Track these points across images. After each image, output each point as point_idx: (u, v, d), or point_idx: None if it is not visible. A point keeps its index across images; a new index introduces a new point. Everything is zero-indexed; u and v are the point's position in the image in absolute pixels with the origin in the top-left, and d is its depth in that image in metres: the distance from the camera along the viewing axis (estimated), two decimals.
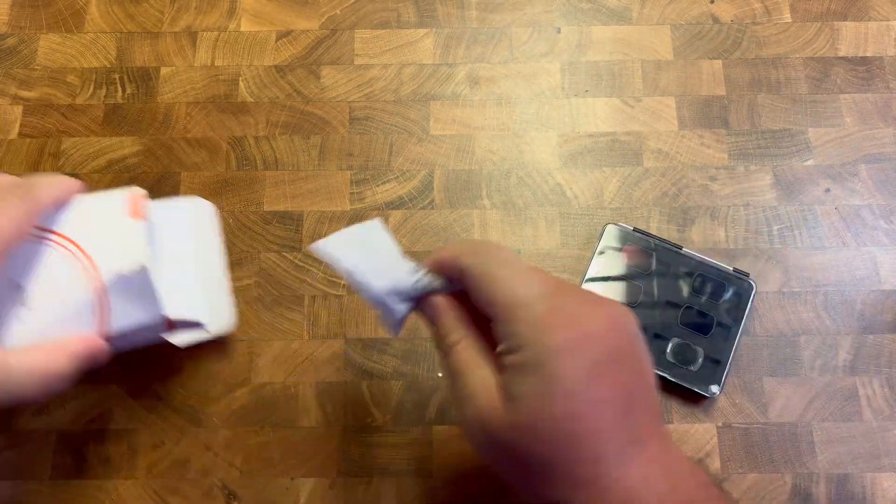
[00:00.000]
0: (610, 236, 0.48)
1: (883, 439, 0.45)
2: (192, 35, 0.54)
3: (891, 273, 0.48)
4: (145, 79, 0.53)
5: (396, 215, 0.49)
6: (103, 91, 0.52)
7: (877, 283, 0.48)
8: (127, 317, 0.38)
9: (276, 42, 0.54)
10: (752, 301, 0.46)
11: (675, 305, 0.46)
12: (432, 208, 0.50)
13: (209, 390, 0.46)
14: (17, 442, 0.45)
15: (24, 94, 0.52)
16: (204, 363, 0.46)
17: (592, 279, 0.47)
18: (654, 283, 0.47)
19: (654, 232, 0.48)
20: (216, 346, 0.46)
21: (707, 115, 0.51)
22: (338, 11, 0.54)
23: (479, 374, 0.30)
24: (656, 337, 0.45)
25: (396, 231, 0.49)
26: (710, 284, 0.46)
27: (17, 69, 0.53)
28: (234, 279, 0.48)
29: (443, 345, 0.32)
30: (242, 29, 0.54)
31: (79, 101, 0.52)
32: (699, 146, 0.51)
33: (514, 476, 0.29)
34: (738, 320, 0.46)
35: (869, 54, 0.53)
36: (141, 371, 0.46)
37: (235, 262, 0.48)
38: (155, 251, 0.40)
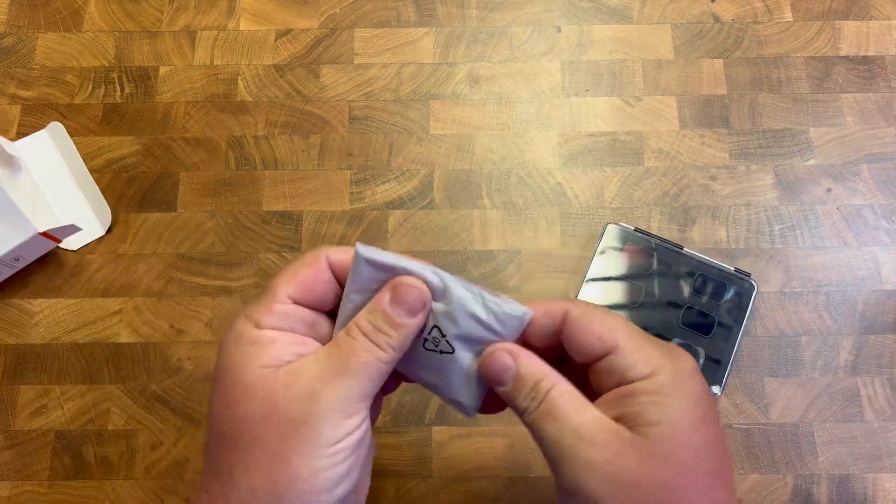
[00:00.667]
0: (611, 236, 0.47)
1: (884, 440, 0.44)
2: (191, 34, 0.54)
3: (892, 273, 0.48)
4: (144, 78, 0.52)
5: (396, 215, 0.49)
6: (102, 90, 0.52)
7: (878, 282, 0.48)
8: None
9: (275, 41, 0.53)
10: (753, 301, 0.46)
11: (677, 306, 0.46)
12: (432, 208, 0.49)
13: (208, 390, 0.46)
14: (15, 443, 0.45)
15: (23, 93, 0.52)
16: (203, 363, 0.46)
17: (593, 279, 0.47)
18: (655, 283, 0.46)
19: (654, 232, 0.48)
20: (215, 346, 0.46)
21: (708, 114, 0.51)
22: (337, 10, 0.54)
23: (591, 415, 0.26)
24: (657, 337, 0.45)
25: (396, 231, 0.49)
26: (711, 285, 0.46)
27: (15, 68, 0.53)
28: (234, 279, 0.48)
29: (530, 397, 0.27)
30: (241, 28, 0.54)
31: (77, 100, 0.52)
32: (700, 146, 0.51)
33: None
34: (739, 321, 0.45)
35: (870, 53, 0.53)
36: (139, 371, 0.46)
37: (235, 262, 0.48)
38: (21, 177, 0.45)
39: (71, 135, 0.51)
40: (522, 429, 0.44)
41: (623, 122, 0.51)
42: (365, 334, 0.27)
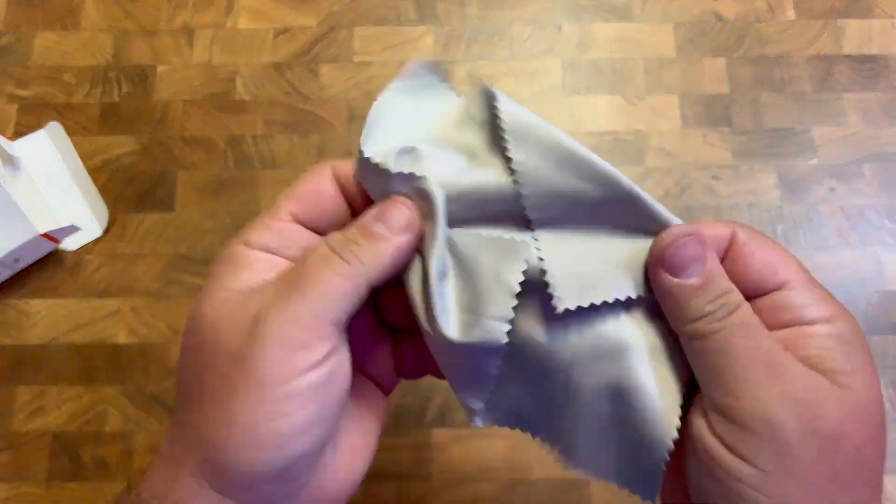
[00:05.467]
0: None
1: (888, 441, 0.44)
2: (189, 32, 0.53)
3: (895, 273, 0.48)
4: (142, 77, 0.52)
5: None
6: (99, 89, 0.52)
7: (881, 283, 0.47)
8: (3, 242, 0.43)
9: (273, 39, 0.53)
10: None
11: None
12: None
13: None
14: (12, 444, 0.44)
15: (20, 92, 0.52)
16: None
17: None
18: None
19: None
20: None
21: (710, 113, 0.51)
22: (336, 8, 0.54)
23: (781, 348, 0.21)
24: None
25: None
26: None
27: (12, 67, 0.52)
28: None
29: (720, 302, 0.21)
30: (240, 26, 0.53)
31: (75, 99, 0.52)
32: (702, 145, 0.50)
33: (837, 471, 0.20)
34: None
35: (874, 52, 0.52)
36: (136, 372, 0.46)
37: None
38: (20, 177, 0.45)
39: (68, 134, 0.50)
40: None
41: (625, 121, 0.51)
42: (331, 248, 0.22)
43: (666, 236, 0.22)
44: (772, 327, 0.22)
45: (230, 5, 0.54)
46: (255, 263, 0.22)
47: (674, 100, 0.51)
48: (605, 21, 0.53)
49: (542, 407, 0.24)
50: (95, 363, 0.46)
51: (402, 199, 0.23)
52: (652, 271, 0.22)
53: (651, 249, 0.23)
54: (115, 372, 0.46)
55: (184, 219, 0.49)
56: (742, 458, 0.20)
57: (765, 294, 0.22)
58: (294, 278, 0.21)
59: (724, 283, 0.22)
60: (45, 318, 0.47)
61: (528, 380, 0.24)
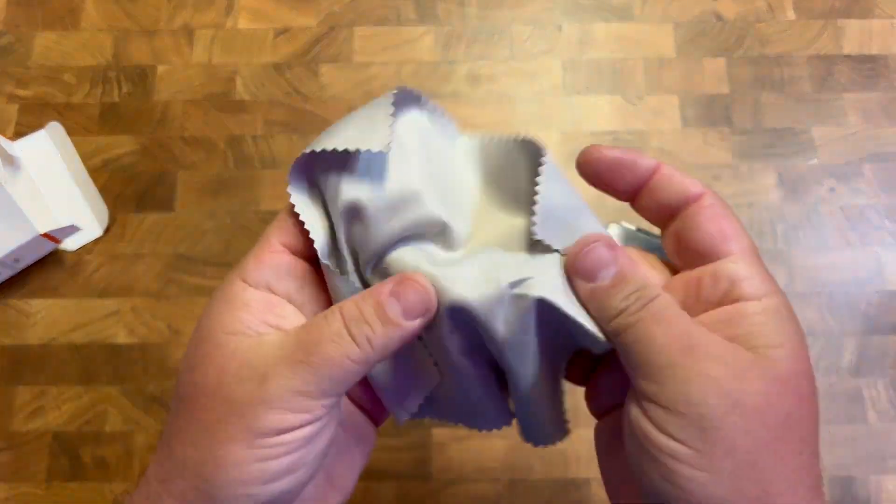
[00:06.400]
0: (612, 235, 0.47)
1: (888, 442, 0.44)
2: (189, 32, 0.53)
3: (895, 273, 0.48)
4: (142, 77, 0.52)
5: None
6: (99, 89, 0.52)
7: (881, 283, 0.47)
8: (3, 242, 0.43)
9: (273, 39, 0.53)
10: None
11: None
12: None
13: None
14: (12, 444, 0.44)
15: (20, 92, 0.52)
16: None
17: None
18: None
19: (657, 232, 0.48)
20: None
21: (710, 113, 0.51)
22: (337, 8, 0.54)
23: (703, 328, 0.22)
24: None
25: None
26: None
27: (12, 67, 0.52)
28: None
29: (634, 297, 0.22)
30: (240, 26, 0.53)
31: (75, 99, 0.52)
32: (702, 145, 0.50)
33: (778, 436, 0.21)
34: None
35: (874, 52, 0.52)
36: (136, 373, 0.46)
37: (233, 262, 0.48)
38: (21, 177, 0.45)
39: (68, 134, 0.50)
40: None
41: (625, 120, 0.51)
42: (345, 321, 0.22)
43: (575, 245, 0.24)
44: (707, 297, 0.23)
45: (230, 5, 0.54)
46: (251, 303, 0.23)
47: (674, 100, 0.51)
48: (605, 21, 0.53)
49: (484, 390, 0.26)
50: (95, 363, 0.46)
51: (420, 276, 0.23)
52: (571, 282, 0.24)
53: (565, 262, 0.24)
54: (115, 372, 0.46)
55: (184, 219, 0.49)
56: (673, 438, 0.21)
57: (709, 261, 0.23)
58: (304, 347, 0.22)
59: (638, 278, 0.23)
60: (45, 318, 0.47)
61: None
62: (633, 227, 0.47)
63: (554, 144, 0.50)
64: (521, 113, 0.51)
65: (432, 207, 0.23)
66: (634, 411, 0.22)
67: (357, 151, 0.22)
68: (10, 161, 0.47)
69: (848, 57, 0.52)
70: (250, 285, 0.24)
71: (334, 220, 0.24)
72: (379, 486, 0.43)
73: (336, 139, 0.22)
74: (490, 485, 0.43)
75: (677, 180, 0.24)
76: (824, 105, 0.51)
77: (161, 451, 0.23)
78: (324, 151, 0.22)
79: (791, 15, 0.53)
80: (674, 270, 0.25)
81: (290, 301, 0.24)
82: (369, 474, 0.44)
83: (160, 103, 0.51)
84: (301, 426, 0.22)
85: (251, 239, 0.48)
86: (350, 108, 0.51)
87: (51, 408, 0.45)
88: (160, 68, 0.52)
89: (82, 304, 0.47)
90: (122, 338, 0.46)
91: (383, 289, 0.23)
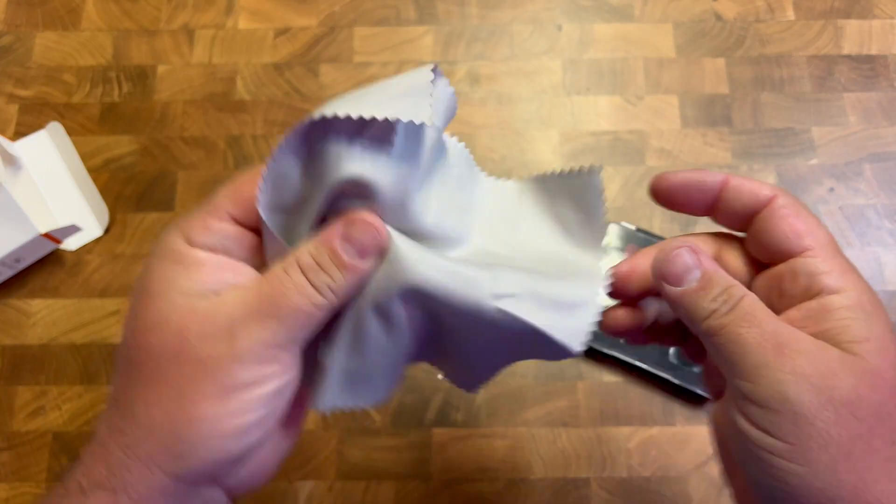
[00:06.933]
0: (612, 235, 0.47)
1: None
2: (189, 32, 0.53)
3: (895, 273, 0.47)
4: (142, 77, 0.52)
5: None
6: (100, 89, 0.52)
7: (881, 283, 0.47)
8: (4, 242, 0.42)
9: (273, 39, 0.53)
10: None
11: None
12: None
13: None
14: (12, 444, 0.44)
15: (21, 92, 0.52)
16: None
17: None
18: None
19: (656, 232, 0.48)
20: None
21: (710, 113, 0.51)
22: (336, 8, 0.54)
23: (790, 327, 0.23)
24: None
25: None
26: None
27: (13, 67, 0.52)
28: None
29: (721, 299, 0.23)
30: (240, 26, 0.53)
31: (75, 99, 0.52)
32: (702, 145, 0.50)
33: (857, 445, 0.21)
34: None
35: (873, 52, 0.52)
36: None
37: None
38: (21, 177, 0.45)
39: (68, 134, 0.50)
40: (523, 430, 0.44)
41: (625, 120, 0.51)
42: (304, 272, 0.23)
43: (660, 253, 0.25)
44: (786, 295, 0.24)
45: (230, 5, 0.54)
46: (204, 264, 0.24)
47: (674, 100, 0.51)
48: (605, 21, 0.53)
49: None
50: (95, 363, 0.46)
51: (367, 215, 0.23)
52: (658, 288, 0.25)
53: (652, 268, 0.25)
54: (115, 372, 0.46)
55: None
56: (770, 434, 0.22)
57: (789, 259, 0.24)
58: (269, 300, 0.23)
59: (723, 280, 0.24)
60: (45, 318, 0.47)
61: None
62: (632, 227, 0.47)
63: (554, 144, 0.50)
64: (521, 113, 0.51)
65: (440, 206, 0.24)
66: (732, 409, 0.23)
67: (397, 121, 0.22)
68: (11, 161, 0.47)
69: (848, 57, 0.52)
70: (196, 248, 0.24)
71: (316, 188, 0.23)
72: (379, 486, 0.43)
73: (370, 107, 0.22)
74: (490, 485, 0.43)
75: (747, 188, 0.25)
76: (824, 105, 0.51)
77: (116, 419, 0.23)
78: (350, 118, 0.21)
79: (791, 15, 0.53)
80: (753, 263, 0.26)
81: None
82: (369, 474, 0.44)
83: (160, 103, 0.51)
84: (272, 377, 0.23)
85: None
86: None
87: (51, 408, 0.45)
88: (160, 68, 0.52)
89: (83, 304, 0.47)
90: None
91: (334, 233, 0.23)
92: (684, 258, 0.24)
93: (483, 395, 0.45)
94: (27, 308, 0.47)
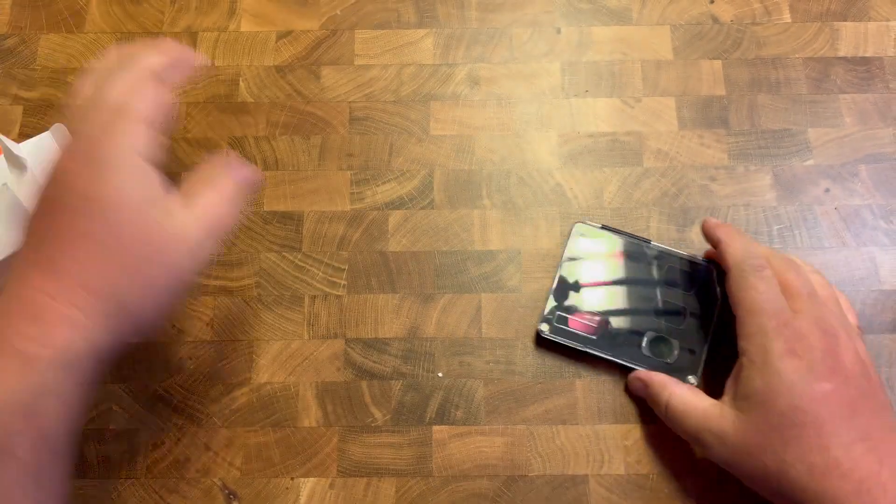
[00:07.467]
0: (576, 234, 0.48)
1: None
2: (192, 35, 0.54)
3: (890, 273, 0.48)
4: None
5: (396, 215, 0.49)
6: None
7: (876, 283, 0.48)
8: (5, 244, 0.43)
9: (276, 42, 0.54)
10: (720, 287, 0.46)
11: (648, 299, 0.46)
12: (432, 208, 0.50)
13: (209, 390, 0.46)
14: None
15: (25, 94, 0.52)
16: (204, 363, 0.46)
17: (563, 278, 0.47)
18: (626, 278, 0.47)
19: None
20: (216, 346, 0.46)
21: (707, 115, 0.51)
22: (338, 12, 0.54)
23: (708, 403, 0.39)
24: (631, 333, 0.45)
25: (397, 231, 0.49)
26: (679, 275, 0.46)
27: (17, 69, 0.53)
28: (234, 279, 0.48)
29: (660, 398, 0.41)
30: (242, 29, 0.54)
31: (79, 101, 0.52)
32: (699, 146, 0.51)
33: (754, 472, 0.35)
34: (710, 309, 0.46)
35: (869, 54, 0.53)
36: (140, 371, 0.46)
37: (235, 262, 0.48)
38: (26, 178, 0.45)
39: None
40: (522, 427, 0.44)
41: (622, 122, 0.51)
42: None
43: (628, 381, 0.45)
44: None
45: (233, 9, 0.54)
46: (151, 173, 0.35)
47: (671, 101, 0.52)
48: (603, 24, 0.54)
49: None
50: None
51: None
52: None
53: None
54: (119, 370, 0.46)
55: None
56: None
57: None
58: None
59: (661, 386, 0.44)
60: None
61: None
62: (597, 226, 0.48)
63: (553, 146, 0.51)
64: (520, 114, 0.52)
65: None
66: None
67: None
68: (16, 162, 0.48)
69: (843, 59, 0.53)
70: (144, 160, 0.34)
71: None
72: (380, 483, 0.44)
73: None
74: (490, 481, 0.44)
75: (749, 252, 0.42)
76: (820, 106, 0.52)
77: (37, 276, 0.32)
78: None
79: (787, 17, 0.54)
80: None
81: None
82: (370, 471, 0.44)
83: None
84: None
85: (253, 238, 0.49)
86: (351, 110, 0.52)
87: None
88: None
89: None
90: None
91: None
92: (634, 385, 0.44)
93: (482, 393, 0.45)
94: None
